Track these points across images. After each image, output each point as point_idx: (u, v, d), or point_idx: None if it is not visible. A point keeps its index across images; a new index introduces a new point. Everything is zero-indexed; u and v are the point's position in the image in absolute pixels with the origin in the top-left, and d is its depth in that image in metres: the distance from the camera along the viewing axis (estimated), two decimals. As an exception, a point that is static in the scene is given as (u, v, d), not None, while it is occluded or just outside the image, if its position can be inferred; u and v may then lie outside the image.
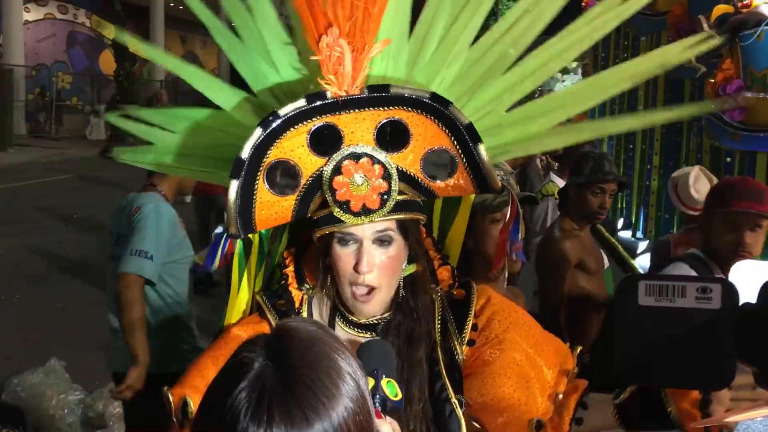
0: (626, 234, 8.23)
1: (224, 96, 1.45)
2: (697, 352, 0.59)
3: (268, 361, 0.81)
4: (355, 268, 1.31)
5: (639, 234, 8.01)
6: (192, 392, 1.34)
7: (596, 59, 10.43)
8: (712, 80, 5.07)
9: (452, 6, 1.39)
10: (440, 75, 1.40)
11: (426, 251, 1.47)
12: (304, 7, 1.29)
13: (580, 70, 15.56)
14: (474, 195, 1.50)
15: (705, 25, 4.68)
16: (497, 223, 1.98)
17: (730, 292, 0.59)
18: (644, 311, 0.60)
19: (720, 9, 5.20)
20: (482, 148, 1.33)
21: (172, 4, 25.62)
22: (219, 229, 1.45)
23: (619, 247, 7.02)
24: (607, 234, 7.68)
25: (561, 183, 4.08)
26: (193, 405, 1.32)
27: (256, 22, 1.40)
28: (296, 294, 1.44)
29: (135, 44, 1.65)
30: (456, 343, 1.40)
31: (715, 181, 3.62)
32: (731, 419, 0.60)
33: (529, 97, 1.45)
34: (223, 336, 1.43)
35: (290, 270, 1.46)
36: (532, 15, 1.40)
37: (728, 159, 5.51)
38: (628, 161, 8.75)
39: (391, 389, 1.07)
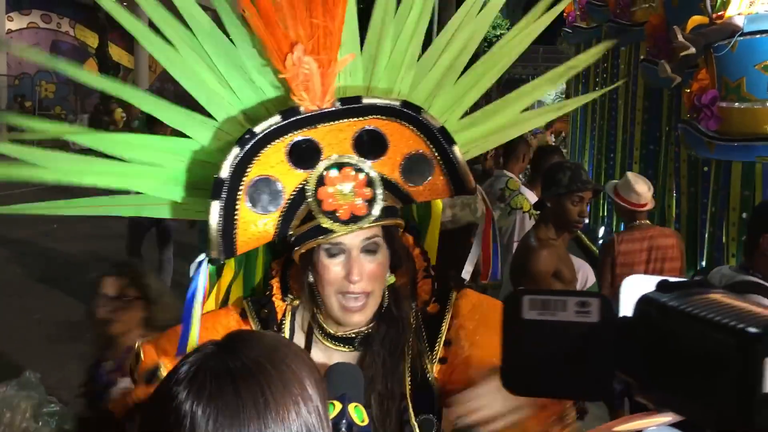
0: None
1: (197, 126, 1.41)
2: (578, 364, 0.61)
3: (218, 347, 0.84)
4: (347, 278, 1.32)
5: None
6: (164, 357, 1.35)
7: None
8: (688, 90, 5.13)
9: (396, 21, 1.44)
10: (396, 87, 1.45)
11: (413, 261, 1.48)
12: (263, 30, 1.32)
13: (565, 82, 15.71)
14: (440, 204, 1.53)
15: (679, 36, 4.74)
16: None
17: (608, 305, 0.61)
18: (528, 325, 0.62)
19: (695, 20, 5.27)
20: (457, 149, 1.38)
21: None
22: (199, 259, 1.38)
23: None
24: (588, 242, 7.73)
25: (531, 196, 4.10)
26: (165, 370, 1.32)
27: (233, 42, 1.39)
28: (279, 305, 1.44)
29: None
30: (427, 361, 1.39)
31: (647, 182, 3.97)
32: (622, 428, 0.61)
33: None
34: (207, 313, 1.42)
35: (276, 281, 1.46)
36: (473, 25, 1.47)
37: (705, 168, 5.58)
38: (608, 170, 8.82)
39: (358, 414, 1.07)
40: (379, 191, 1.34)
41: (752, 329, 0.49)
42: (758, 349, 0.49)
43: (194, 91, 1.40)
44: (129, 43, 21.64)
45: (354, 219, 1.32)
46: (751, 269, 2.33)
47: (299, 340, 1.42)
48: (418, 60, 1.47)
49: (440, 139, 1.37)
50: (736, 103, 4.64)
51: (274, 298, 1.44)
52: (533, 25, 1.49)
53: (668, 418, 0.58)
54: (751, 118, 4.55)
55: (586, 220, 8.27)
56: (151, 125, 4.81)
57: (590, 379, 0.60)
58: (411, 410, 1.35)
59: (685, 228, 5.96)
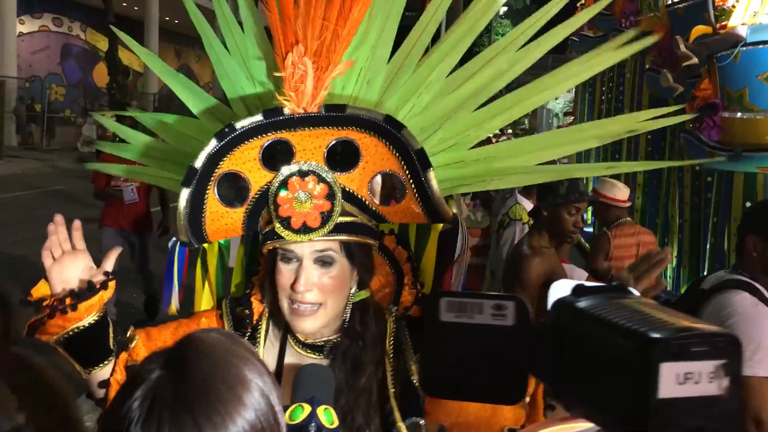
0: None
1: (203, 106, 1.50)
2: (493, 368, 0.60)
3: (165, 371, 0.80)
4: (293, 286, 1.31)
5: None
6: (144, 337, 1.37)
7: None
8: (690, 99, 5.11)
9: (431, 39, 1.41)
10: (411, 102, 1.42)
11: (401, 275, 1.46)
12: (277, 25, 1.33)
13: (573, 89, 15.66)
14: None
15: (682, 46, 4.72)
16: None
17: (524, 309, 0.60)
18: (445, 327, 0.61)
19: (698, 30, 5.25)
20: (432, 176, 1.33)
21: (167, 18, 25.75)
22: (172, 242, 1.45)
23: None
24: (587, 247, 7.69)
25: (528, 204, 4.07)
26: (140, 349, 1.35)
27: (241, 35, 1.44)
28: (258, 306, 1.44)
29: (130, 42, 1.69)
30: (412, 363, 1.38)
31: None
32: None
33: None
34: (192, 316, 1.46)
35: (257, 278, 1.45)
36: (512, 56, 1.39)
37: (709, 178, 5.55)
38: (613, 179, 8.78)
39: (328, 417, 1.06)
40: (337, 205, 1.32)
41: (651, 334, 0.48)
42: (655, 353, 0.48)
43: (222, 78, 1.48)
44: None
45: (305, 229, 1.31)
46: (740, 269, 2.35)
47: (274, 344, 1.42)
48: (446, 80, 1.42)
49: (415, 161, 1.33)
50: (738, 114, 4.61)
51: (253, 298, 1.43)
52: (566, 71, 1.40)
53: (588, 425, 0.57)
54: (753, 128, 4.52)
55: (589, 229, 8.23)
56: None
57: (506, 382, 0.59)
58: (397, 414, 1.34)
59: (688, 238, 5.92)
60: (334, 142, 1.35)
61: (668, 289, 6.10)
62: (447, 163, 1.39)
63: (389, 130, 1.33)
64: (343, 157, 1.36)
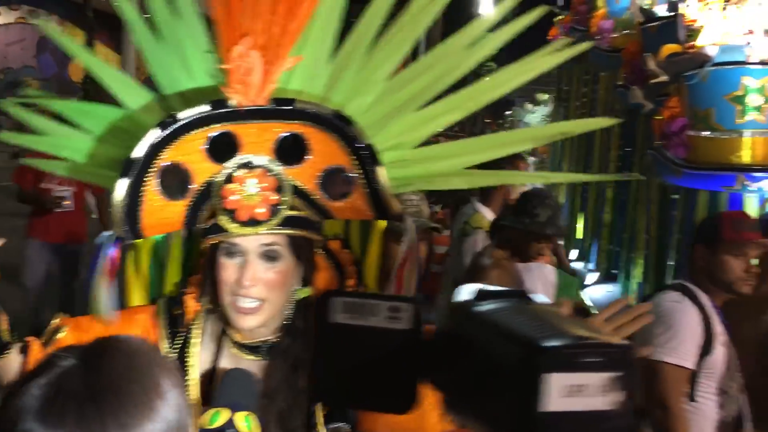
0: (578, 265, 8.28)
1: (134, 97, 1.45)
2: (386, 373, 0.57)
3: (79, 361, 0.75)
4: (238, 282, 1.28)
5: (590, 266, 8.07)
6: (73, 327, 1.33)
7: (559, 92, 10.59)
8: (659, 117, 5.16)
9: (376, 36, 1.41)
10: (356, 100, 1.41)
11: (345, 276, 1.44)
12: (223, 17, 1.31)
13: (550, 103, 15.80)
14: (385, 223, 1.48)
15: (651, 64, 4.77)
16: None
17: (420, 312, 0.58)
18: (338, 329, 0.58)
19: (668, 48, 5.31)
20: (381, 171, 1.34)
21: (146, 16, 25.49)
22: (101, 237, 1.41)
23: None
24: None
25: (487, 212, 4.05)
26: (66, 338, 1.30)
27: (179, 25, 1.42)
28: (192, 305, 1.39)
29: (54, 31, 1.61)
30: None
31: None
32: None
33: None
34: (126, 310, 1.42)
35: (196, 278, 1.42)
36: (456, 57, 1.42)
37: (674, 195, 5.59)
38: (583, 194, 8.84)
39: (247, 423, 1.04)
40: (286, 199, 1.31)
41: (541, 342, 0.46)
42: (541, 363, 0.45)
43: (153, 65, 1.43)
44: (116, 42, 21.59)
45: (252, 222, 1.29)
46: (688, 278, 2.52)
47: (210, 345, 1.39)
48: (390, 79, 1.43)
49: (364, 157, 1.33)
50: (705, 132, 4.66)
51: (188, 296, 1.40)
52: (522, 68, 1.43)
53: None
54: (718, 147, 4.58)
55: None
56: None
57: (397, 389, 0.56)
58: (320, 418, 1.31)
59: (654, 254, 5.97)
60: (282, 136, 1.33)
61: (633, 304, 6.14)
62: (391, 161, 1.38)
63: (338, 125, 1.33)
64: (291, 151, 1.34)
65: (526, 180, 1.34)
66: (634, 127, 6.98)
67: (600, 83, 8.25)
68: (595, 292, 7.08)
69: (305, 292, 1.37)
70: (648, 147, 5.85)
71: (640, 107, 5.33)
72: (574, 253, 8.70)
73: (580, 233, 8.84)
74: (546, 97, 16.58)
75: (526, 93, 16.81)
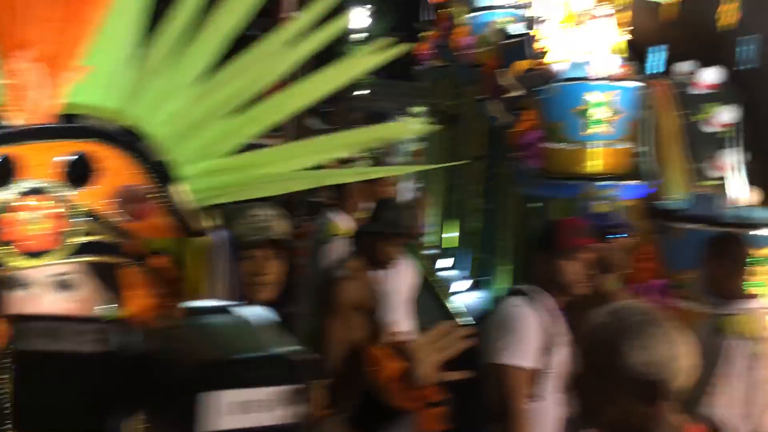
0: (452, 273, 8.52)
1: None
2: (81, 398, 0.57)
3: None
4: None
5: (464, 273, 8.31)
6: None
7: (431, 106, 10.84)
8: (515, 130, 5.43)
9: (178, 40, 1.34)
10: (162, 108, 1.33)
11: (174, 294, 1.40)
12: None
13: (423, 116, 16.14)
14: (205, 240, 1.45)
15: (506, 79, 5.02)
16: None
17: (119, 334, 0.59)
18: (28, 355, 0.58)
19: (521, 65, 5.61)
20: (176, 187, 1.28)
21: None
22: None
23: (437, 286, 7.24)
24: (425, 274, 7.88)
25: (341, 219, 4.10)
26: None
27: None
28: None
29: None
30: None
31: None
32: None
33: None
34: None
35: None
36: (267, 63, 1.38)
37: (533, 204, 5.88)
38: (456, 204, 9.11)
39: None
40: (76, 224, 1.22)
41: (206, 360, 0.46)
42: (204, 381, 0.45)
43: None
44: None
45: (37, 254, 1.20)
46: (531, 283, 2.67)
47: None
48: (201, 83, 1.35)
49: (159, 173, 1.27)
50: (556, 144, 4.95)
51: None
52: (337, 72, 1.40)
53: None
54: (568, 158, 4.87)
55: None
56: None
57: (95, 414, 0.56)
58: None
59: (520, 261, 6.23)
60: (70, 156, 1.23)
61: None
62: (205, 171, 1.34)
63: (128, 141, 1.26)
64: (81, 171, 1.25)
65: (340, 179, 1.32)
66: (499, 137, 7.30)
67: (465, 97, 8.53)
68: (467, 299, 7.32)
69: (114, 316, 1.31)
70: (508, 159, 6.14)
71: (498, 120, 5.59)
72: (449, 262, 8.95)
73: (454, 242, 9.11)
74: (419, 110, 16.96)
75: (401, 106, 17.12)
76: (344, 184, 4.46)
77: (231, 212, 1.89)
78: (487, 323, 2.52)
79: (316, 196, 5.23)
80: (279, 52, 1.38)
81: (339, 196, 4.38)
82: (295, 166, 1.41)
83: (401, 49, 1.46)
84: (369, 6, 25.61)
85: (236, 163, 1.39)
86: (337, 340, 2.87)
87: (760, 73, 5.06)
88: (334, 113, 14.62)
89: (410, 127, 1.52)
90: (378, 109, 21.53)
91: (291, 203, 5.53)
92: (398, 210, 3.17)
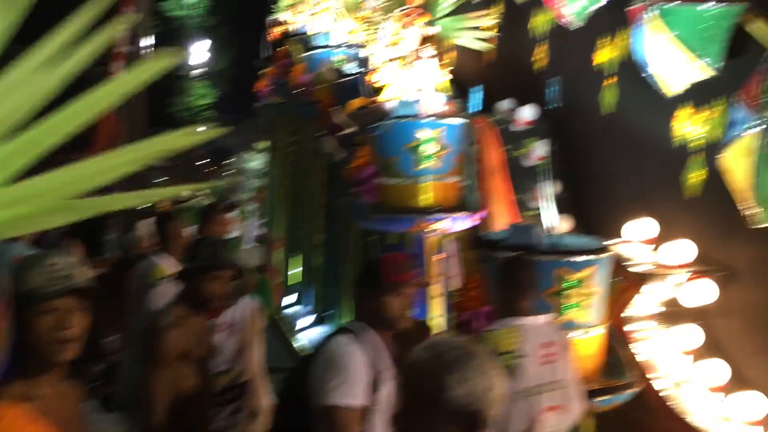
0: (297, 308, 8.47)
1: None
2: None
3: None
4: None
5: (305, 309, 8.29)
6: None
7: (273, 141, 10.81)
8: (351, 166, 5.52)
9: None
10: None
11: None
12: None
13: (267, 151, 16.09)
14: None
15: (339, 116, 5.11)
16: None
17: None
18: None
19: (356, 102, 5.74)
20: None
21: None
22: None
23: (282, 323, 7.16)
24: (270, 312, 7.81)
25: (166, 262, 4.00)
26: None
27: None
28: None
29: None
30: None
31: None
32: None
33: None
34: None
35: None
36: (33, 82, 1.27)
37: (370, 238, 6.00)
38: (300, 239, 9.11)
39: None
40: None
41: None
42: None
43: None
44: None
45: None
46: (358, 320, 2.65)
47: None
48: None
49: None
50: (390, 179, 5.07)
51: None
52: (91, 98, 1.28)
53: None
54: (402, 193, 5.00)
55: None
56: None
57: None
58: None
59: (361, 294, 6.30)
60: None
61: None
62: None
63: None
64: None
65: (123, 204, 1.24)
66: (339, 173, 7.40)
67: (304, 133, 8.60)
68: (311, 334, 7.29)
69: None
70: (346, 194, 6.23)
71: (334, 156, 5.67)
72: (293, 298, 8.90)
73: (298, 278, 9.08)
74: (264, 145, 16.97)
75: (246, 142, 17.01)
76: (167, 226, 4.32)
77: (23, 262, 1.75)
78: (314, 363, 2.50)
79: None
80: (41, 72, 1.28)
81: (162, 238, 4.26)
82: (80, 189, 1.28)
83: (170, 60, 1.38)
84: (209, 42, 25.34)
85: (13, 194, 1.25)
86: (162, 391, 2.73)
87: (565, 110, 5.50)
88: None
89: (196, 134, 1.42)
90: (221, 145, 21.28)
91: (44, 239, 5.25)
92: (215, 245, 3.05)
